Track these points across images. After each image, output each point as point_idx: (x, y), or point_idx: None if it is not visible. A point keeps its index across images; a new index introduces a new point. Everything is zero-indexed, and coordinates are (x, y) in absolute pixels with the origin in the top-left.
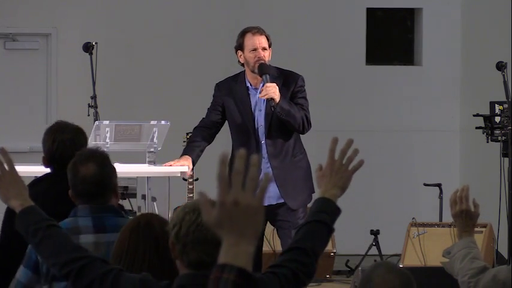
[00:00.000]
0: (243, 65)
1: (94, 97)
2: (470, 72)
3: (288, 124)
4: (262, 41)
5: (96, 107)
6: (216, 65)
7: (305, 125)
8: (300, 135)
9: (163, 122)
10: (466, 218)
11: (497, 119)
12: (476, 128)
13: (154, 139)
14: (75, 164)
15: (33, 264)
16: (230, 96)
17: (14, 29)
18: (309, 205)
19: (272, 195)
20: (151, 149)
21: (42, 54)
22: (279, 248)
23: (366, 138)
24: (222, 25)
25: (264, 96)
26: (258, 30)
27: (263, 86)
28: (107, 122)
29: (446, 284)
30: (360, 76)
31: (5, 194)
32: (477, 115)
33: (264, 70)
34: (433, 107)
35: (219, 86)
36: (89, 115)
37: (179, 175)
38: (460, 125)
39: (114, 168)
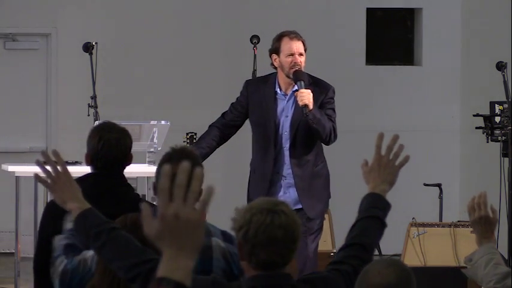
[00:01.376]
0: (275, 68)
1: (94, 97)
2: (470, 72)
3: (316, 133)
4: (299, 46)
5: (96, 107)
6: (216, 65)
7: (331, 137)
8: None
9: (163, 122)
10: (485, 224)
11: (497, 119)
12: (476, 128)
13: (154, 139)
14: (169, 160)
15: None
16: (257, 96)
17: (14, 29)
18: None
19: (290, 200)
20: (151, 149)
21: (42, 54)
22: None
23: (366, 138)
24: (222, 24)
25: (300, 102)
26: (296, 35)
27: (297, 91)
28: None
29: (447, 284)
30: (360, 76)
31: (61, 196)
32: (477, 115)
33: (299, 77)
34: (433, 107)
35: (248, 84)
36: (89, 115)
37: None
38: (460, 125)
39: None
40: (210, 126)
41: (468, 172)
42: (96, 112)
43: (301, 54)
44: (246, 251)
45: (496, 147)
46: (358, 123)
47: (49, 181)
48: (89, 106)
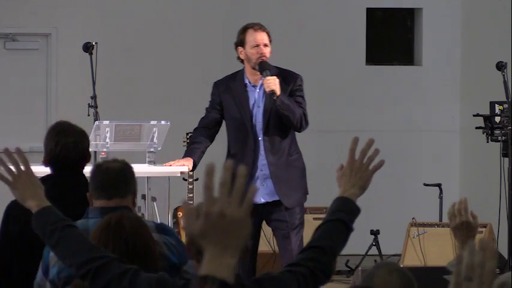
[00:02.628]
0: (242, 61)
1: (94, 97)
2: (470, 72)
3: (286, 120)
4: (264, 37)
5: (96, 107)
6: (216, 65)
7: (302, 123)
8: (296, 136)
9: (163, 122)
10: (466, 230)
11: (497, 119)
12: (476, 128)
13: (154, 139)
14: (101, 162)
15: (44, 266)
16: (228, 93)
17: (14, 29)
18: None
19: (267, 192)
20: (151, 149)
21: (42, 54)
22: None
23: (366, 138)
24: (222, 25)
25: (266, 88)
26: (260, 27)
27: (264, 79)
28: (107, 122)
29: (446, 284)
30: (360, 76)
31: (22, 194)
32: (477, 115)
33: (264, 67)
34: (433, 107)
35: (216, 84)
36: (89, 115)
37: (179, 175)
38: (460, 125)
39: (134, 175)
40: (195, 129)
41: (468, 172)
42: (96, 112)
43: (266, 45)
44: (193, 252)
45: (496, 147)
46: (358, 123)
47: (10, 179)
48: (89, 106)
